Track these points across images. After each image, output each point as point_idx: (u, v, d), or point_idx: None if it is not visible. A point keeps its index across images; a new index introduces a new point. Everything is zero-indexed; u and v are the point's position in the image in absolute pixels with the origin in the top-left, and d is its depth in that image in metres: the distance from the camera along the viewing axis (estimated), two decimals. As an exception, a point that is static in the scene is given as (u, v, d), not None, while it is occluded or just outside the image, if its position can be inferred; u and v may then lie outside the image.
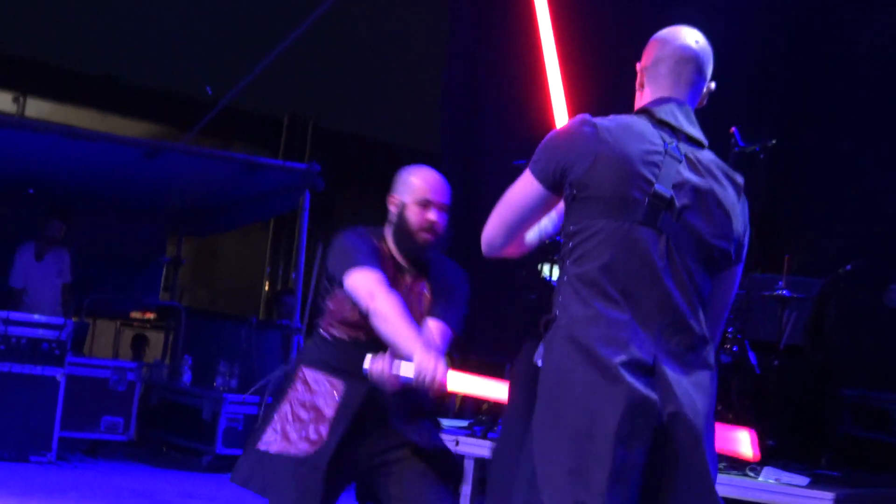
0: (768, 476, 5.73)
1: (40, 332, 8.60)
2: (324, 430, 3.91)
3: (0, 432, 8.36)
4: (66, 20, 13.15)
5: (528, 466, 2.98)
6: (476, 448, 6.43)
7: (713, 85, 3.23)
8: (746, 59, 10.08)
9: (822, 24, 9.78)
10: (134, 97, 14.53)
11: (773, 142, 7.74)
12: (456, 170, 11.09)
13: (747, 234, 3.18)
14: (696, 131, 3.10)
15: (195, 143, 11.06)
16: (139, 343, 12.23)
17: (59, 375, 8.58)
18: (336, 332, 4.06)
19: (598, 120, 3.05)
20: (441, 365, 3.60)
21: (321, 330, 4.12)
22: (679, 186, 2.97)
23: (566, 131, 3.09)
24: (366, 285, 3.83)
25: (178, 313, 10.77)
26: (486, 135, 10.89)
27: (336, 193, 13.07)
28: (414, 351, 3.63)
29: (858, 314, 9.00)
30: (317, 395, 3.99)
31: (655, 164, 2.95)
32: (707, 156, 3.11)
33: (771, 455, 7.14)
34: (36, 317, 8.79)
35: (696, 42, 3.17)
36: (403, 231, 4.03)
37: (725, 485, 5.47)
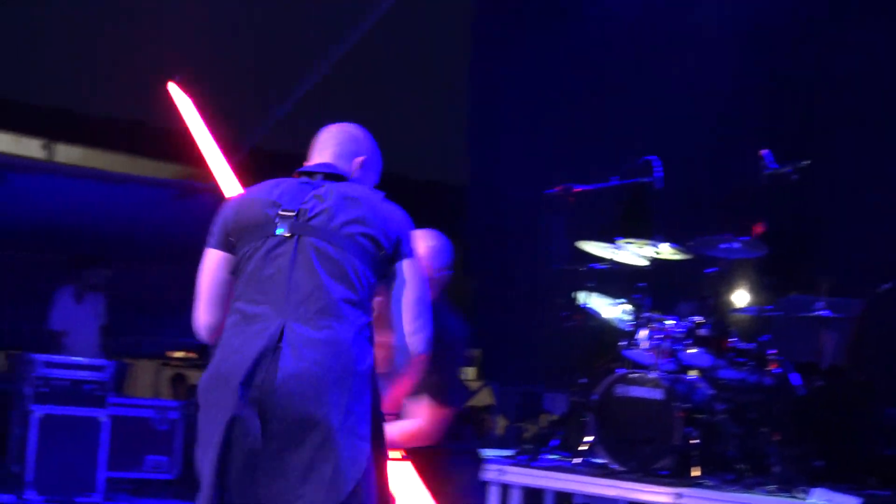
0: (819, 498, 5.66)
1: (82, 374, 8.64)
2: None
3: (45, 475, 8.37)
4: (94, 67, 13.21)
5: None
6: (521, 477, 6.43)
7: (361, 159, 3.85)
8: (758, 86, 10.11)
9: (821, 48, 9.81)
10: (164, 140, 14.57)
11: (807, 162, 7.72)
12: (483, 201, 11.11)
13: (402, 230, 3.68)
14: (330, 171, 3.72)
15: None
16: (178, 382, 12.27)
17: (103, 416, 8.60)
18: None
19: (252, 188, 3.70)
20: None
21: None
22: (307, 202, 3.55)
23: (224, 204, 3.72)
24: None
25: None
26: (513, 165, 10.88)
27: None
28: None
29: (898, 333, 8.97)
30: None
31: (282, 195, 3.58)
32: (342, 184, 3.69)
33: (818, 476, 7.12)
34: (77, 359, 8.86)
35: (330, 130, 3.86)
36: None
37: (775, 507, 5.45)
